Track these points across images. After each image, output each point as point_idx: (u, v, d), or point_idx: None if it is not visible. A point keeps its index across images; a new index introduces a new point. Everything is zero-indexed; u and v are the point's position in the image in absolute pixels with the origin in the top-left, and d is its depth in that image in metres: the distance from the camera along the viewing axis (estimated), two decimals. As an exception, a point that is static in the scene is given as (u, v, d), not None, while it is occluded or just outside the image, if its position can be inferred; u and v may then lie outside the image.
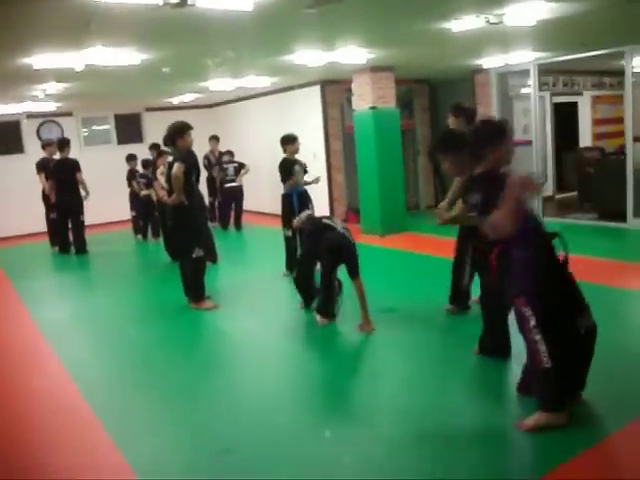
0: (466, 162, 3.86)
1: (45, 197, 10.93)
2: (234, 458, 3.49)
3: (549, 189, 13.09)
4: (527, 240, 3.50)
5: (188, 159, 6.48)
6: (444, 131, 4.27)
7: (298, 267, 6.34)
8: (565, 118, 13.44)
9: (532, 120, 11.04)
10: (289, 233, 7.85)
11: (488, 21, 6.10)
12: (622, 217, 9.76)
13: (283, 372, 4.90)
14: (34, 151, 12.20)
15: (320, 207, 11.60)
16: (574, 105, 13.75)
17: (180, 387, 4.65)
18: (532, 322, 3.45)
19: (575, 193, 12.44)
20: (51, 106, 12.09)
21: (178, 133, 6.39)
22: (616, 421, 3.58)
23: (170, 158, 6.61)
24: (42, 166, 10.80)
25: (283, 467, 3.37)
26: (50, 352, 5.64)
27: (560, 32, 7.49)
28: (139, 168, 11.47)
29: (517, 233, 3.36)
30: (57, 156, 10.62)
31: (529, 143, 11.12)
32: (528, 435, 3.43)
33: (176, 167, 6.24)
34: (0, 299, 8.05)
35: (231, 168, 12.03)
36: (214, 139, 12.43)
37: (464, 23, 6.25)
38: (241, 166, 12.07)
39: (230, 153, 12.31)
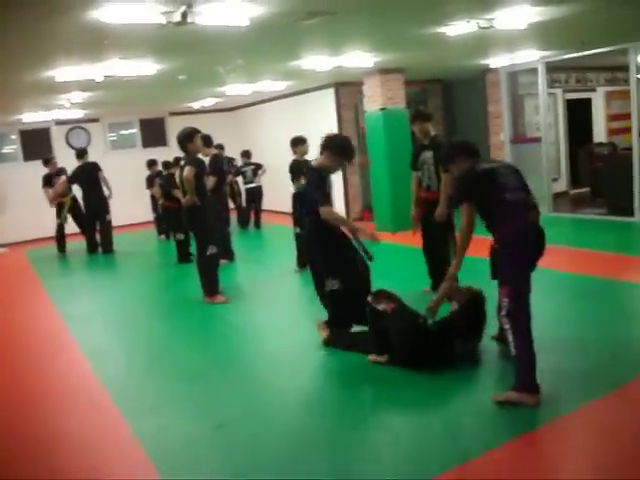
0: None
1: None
2: (228, 431, 3.91)
3: (562, 185, 13.29)
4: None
5: (200, 163, 6.94)
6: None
7: None
8: (579, 114, 13.60)
9: (541, 117, 11.29)
10: (299, 230, 8.27)
11: (479, 25, 6.41)
12: (631, 212, 9.95)
13: (286, 360, 5.22)
14: (63, 156, 12.74)
15: (337, 206, 11.98)
16: (588, 101, 13.90)
17: (189, 372, 5.06)
18: (504, 312, 3.85)
19: (588, 189, 12.64)
20: (78, 113, 12.67)
21: (187, 138, 6.81)
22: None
23: (182, 162, 7.06)
24: (46, 181, 11.48)
25: (270, 441, 3.76)
26: (72, 341, 6.14)
27: (556, 33, 7.77)
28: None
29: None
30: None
31: (540, 140, 11.38)
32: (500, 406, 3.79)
33: (187, 170, 6.68)
34: (29, 295, 8.59)
35: (249, 170, 12.49)
36: (218, 147, 12.64)
37: (457, 28, 6.58)
38: (258, 167, 12.51)
39: (247, 153, 12.69)
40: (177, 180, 8.09)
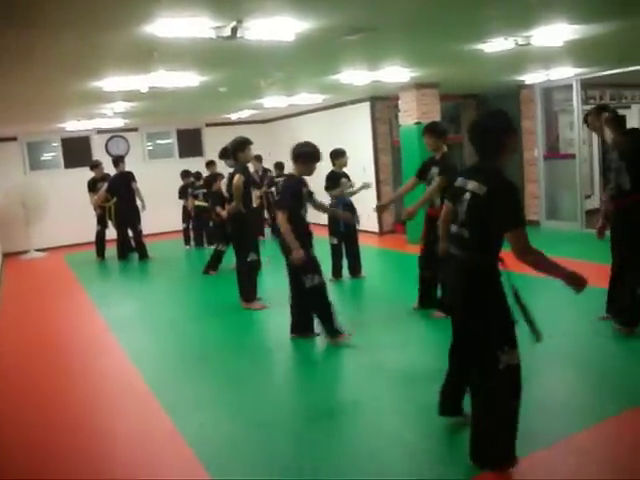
0: None
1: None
2: (268, 430, 4.07)
3: (596, 202, 13.25)
4: None
5: (247, 172, 7.15)
6: None
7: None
8: (614, 131, 13.56)
9: (575, 134, 11.34)
10: (335, 241, 8.43)
11: (517, 43, 6.53)
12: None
13: (320, 361, 5.45)
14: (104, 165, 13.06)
15: (370, 219, 12.14)
16: (622, 119, 13.83)
17: (227, 373, 5.27)
18: None
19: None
20: (119, 122, 13.01)
21: (239, 147, 7.06)
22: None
23: (231, 170, 7.29)
24: (91, 186, 11.87)
25: (307, 442, 3.94)
26: (115, 342, 6.38)
27: (592, 50, 7.84)
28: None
29: None
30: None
31: (574, 156, 11.41)
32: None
33: (237, 178, 6.94)
34: (72, 297, 8.88)
35: (282, 182, 12.66)
36: (256, 158, 12.66)
37: (494, 45, 6.71)
38: (289, 178, 12.69)
39: (280, 165, 12.85)
40: (223, 188, 8.20)
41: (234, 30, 4.80)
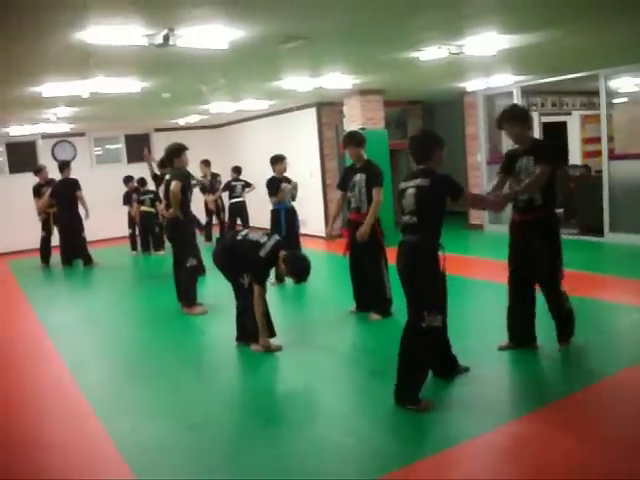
0: None
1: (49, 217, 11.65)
2: (201, 432, 4.12)
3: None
4: None
5: (185, 177, 7.16)
6: None
7: None
8: (555, 137, 13.93)
9: (516, 139, 11.60)
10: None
11: (450, 52, 6.71)
12: (601, 232, 10.29)
13: (255, 367, 5.49)
14: (49, 170, 12.89)
15: (317, 223, 12.27)
16: (564, 125, 14.27)
17: (165, 378, 5.28)
18: None
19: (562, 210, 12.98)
20: (64, 127, 12.86)
21: (175, 154, 7.08)
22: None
23: (167, 176, 7.29)
24: (36, 191, 11.57)
25: (239, 444, 4.00)
26: (52, 348, 6.34)
27: (526, 58, 8.08)
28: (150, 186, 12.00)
29: None
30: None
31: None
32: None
33: (174, 184, 6.92)
34: (12, 304, 8.77)
35: (239, 186, 12.53)
36: (204, 163, 12.71)
37: (429, 53, 6.88)
38: (247, 184, 12.61)
39: (237, 169, 12.74)
40: (161, 194, 8.20)
41: (166, 38, 4.86)
